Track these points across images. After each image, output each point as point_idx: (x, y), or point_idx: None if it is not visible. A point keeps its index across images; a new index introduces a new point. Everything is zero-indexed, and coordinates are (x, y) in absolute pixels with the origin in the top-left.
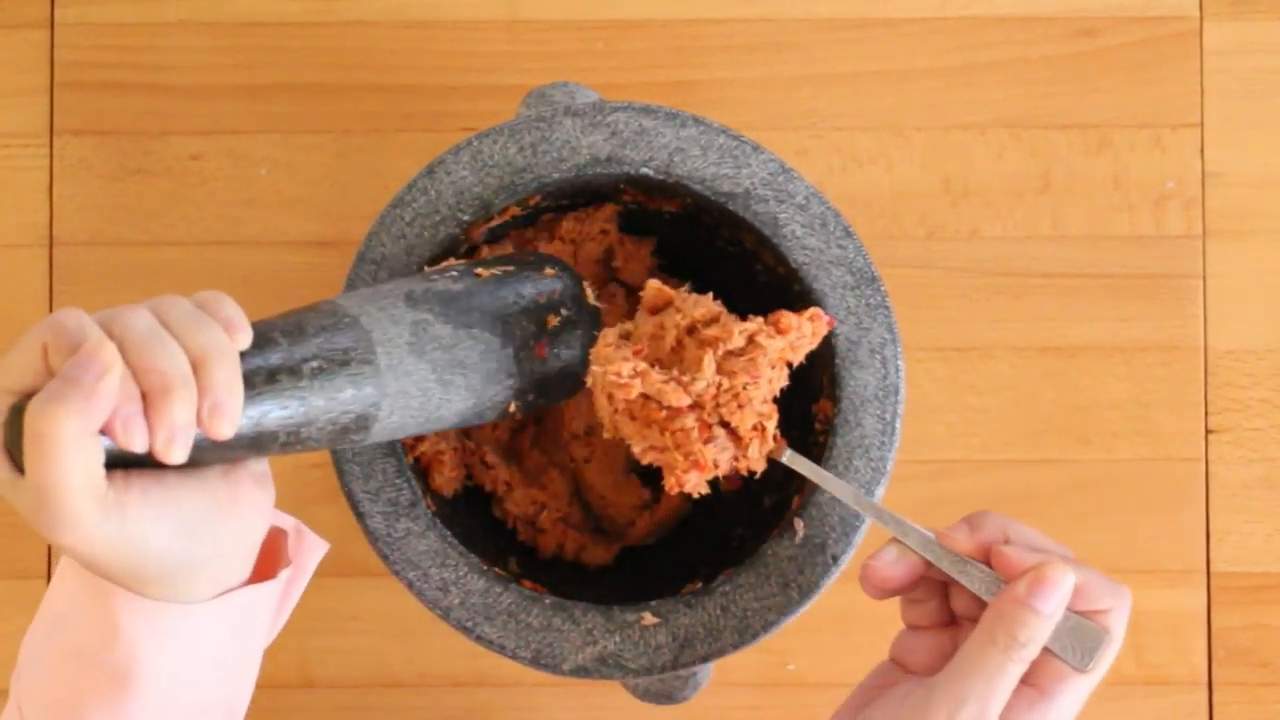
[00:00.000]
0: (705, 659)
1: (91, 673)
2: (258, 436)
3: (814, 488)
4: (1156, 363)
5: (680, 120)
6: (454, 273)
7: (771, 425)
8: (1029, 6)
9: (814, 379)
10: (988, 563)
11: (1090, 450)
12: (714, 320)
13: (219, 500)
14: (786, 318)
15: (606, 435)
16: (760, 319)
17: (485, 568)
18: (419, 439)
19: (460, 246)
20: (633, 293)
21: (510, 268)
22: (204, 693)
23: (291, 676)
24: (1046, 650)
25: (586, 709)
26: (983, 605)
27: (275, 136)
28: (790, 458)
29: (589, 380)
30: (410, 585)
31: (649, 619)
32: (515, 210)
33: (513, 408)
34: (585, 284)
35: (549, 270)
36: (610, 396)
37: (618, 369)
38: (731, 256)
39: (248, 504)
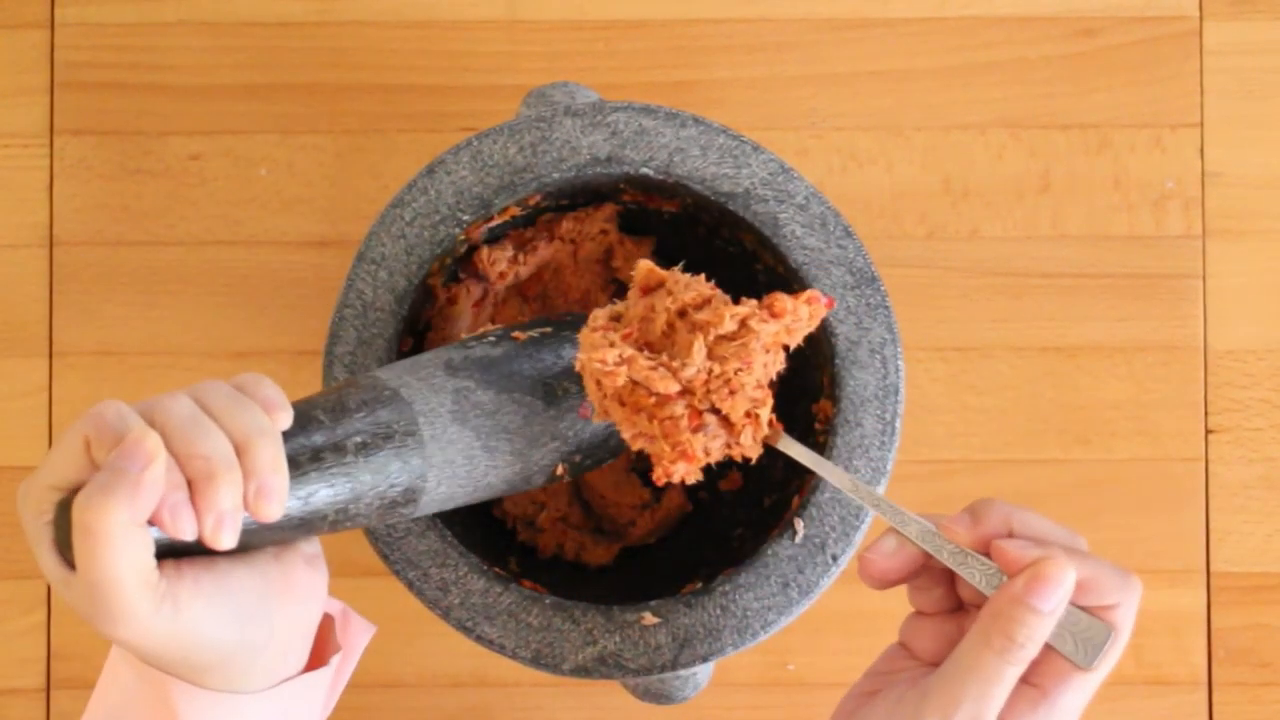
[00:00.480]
0: (705, 659)
1: None
2: (306, 517)
3: (814, 487)
4: (1156, 363)
5: (680, 120)
6: (491, 338)
7: (766, 411)
8: (1029, 6)
9: (814, 379)
10: (989, 555)
11: (1090, 450)
12: (705, 303)
13: (272, 584)
14: (781, 300)
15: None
16: (754, 301)
17: (485, 568)
18: None
19: (460, 247)
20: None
21: (548, 329)
22: None
23: None
24: (1049, 647)
25: (586, 709)
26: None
27: (275, 136)
28: (786, 443)
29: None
30: (410, 585)
31: (649, 619)
32: (515, 210)
33: (559, 470)
34: None
35: None
36: (598, 382)
37: (602, 355)
38: (731, 256)
39: (302, 587)
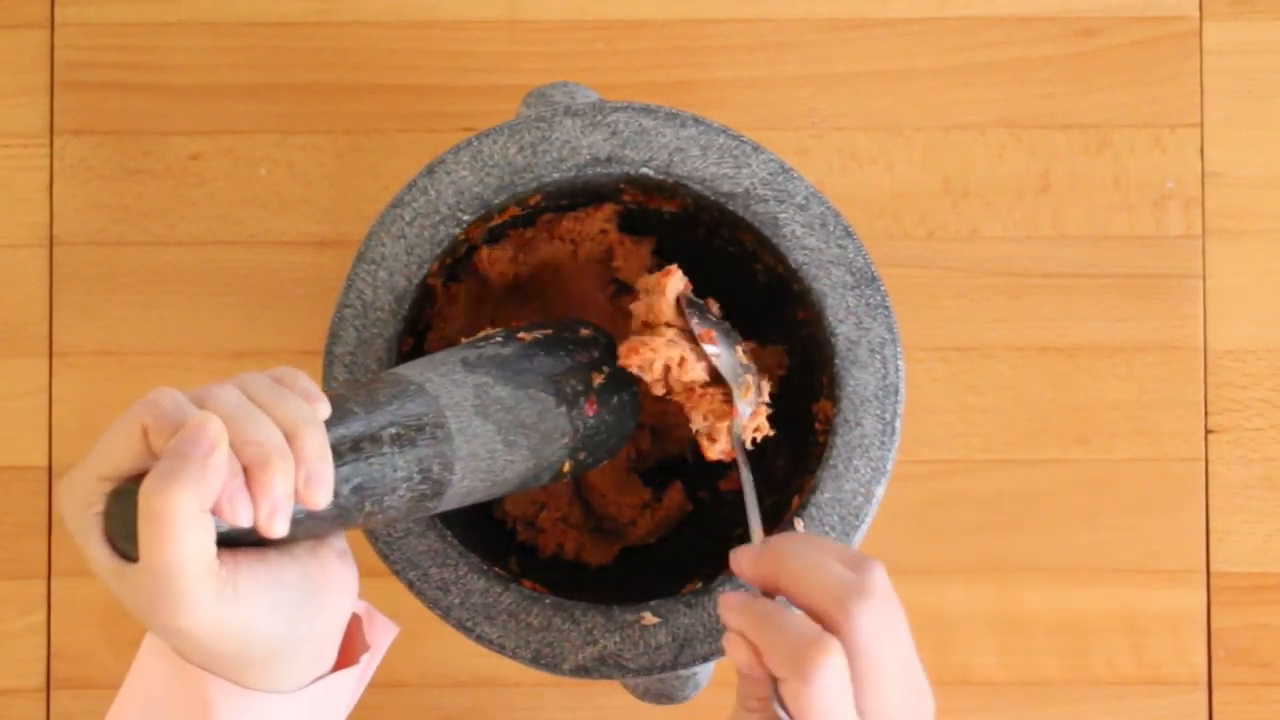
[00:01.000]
0: (705, 659)
1: None
2: (345, 508)
3: (814, 487)
4: (1156, 363)
5: (680, 120)
6: (499, 338)
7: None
8: (1029, 6)
9: (814, 379)
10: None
11: (1090, 450)
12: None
13: (312, 577)
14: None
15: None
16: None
17: (485, 568)
18: None
19: (460, 247)
20: (617, 295)
21: (549, 330)
22: None
23: None
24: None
25: (586, 709)
26: None
27: (275, 136)
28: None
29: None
30: (410, 585)
31: (649, 619)
32: (515, 210)
33: (566, 467)
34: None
35: (584, 331)
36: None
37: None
38: (731, 256)
39: (336, 581)
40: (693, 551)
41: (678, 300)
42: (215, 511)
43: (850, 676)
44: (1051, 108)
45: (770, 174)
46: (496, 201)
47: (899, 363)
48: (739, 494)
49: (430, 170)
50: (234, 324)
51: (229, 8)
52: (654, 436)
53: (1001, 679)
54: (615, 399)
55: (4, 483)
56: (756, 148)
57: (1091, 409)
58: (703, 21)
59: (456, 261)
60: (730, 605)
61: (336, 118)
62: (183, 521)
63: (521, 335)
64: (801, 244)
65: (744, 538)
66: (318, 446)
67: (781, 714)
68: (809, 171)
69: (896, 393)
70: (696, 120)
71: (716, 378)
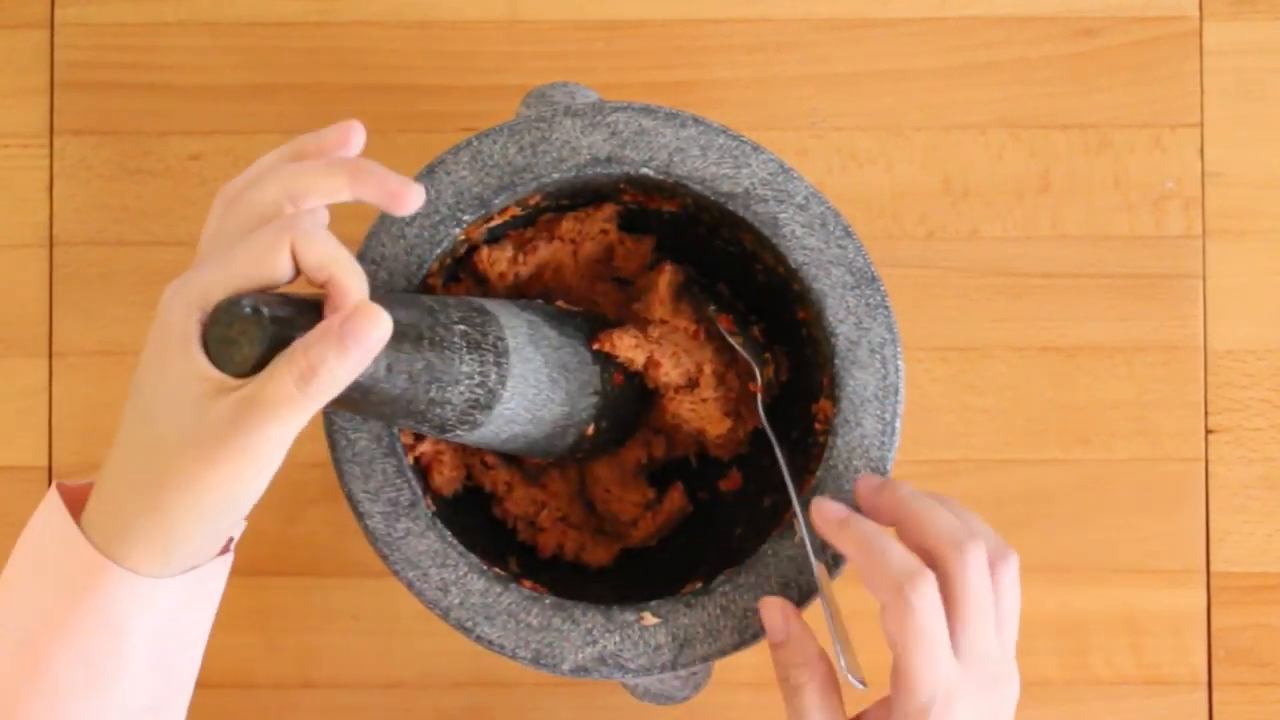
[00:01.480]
0: (705, 659)
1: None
2: (415, 385)
3: (814, 488)
4: (1156, 363)
5: (680, 120)
6: (539, 301)
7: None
8: (1029, 6)
9: (814, 379)
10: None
11: (1090, 450)
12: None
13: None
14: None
15: None
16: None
17: (485, 568)
18: (419, 439)
19: (460, 247)
20: (625, 285)
21: (579, 309)
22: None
23: (291, 676)
24: None
25: (586, 709)
26: None
27: (275, 136)
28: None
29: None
30: (410, 585)
31: (649, 619)
32: (515, 210)
33: (590, 430)
34: None
35: (610, 318)
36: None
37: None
38: (731, 256)
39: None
40: (693, 552)
41: (676, 294)
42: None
43: (951, 613)
44: (1051, 108)
45: (770, 174)
46: (496, 201)
47: (899, 363)
48: (739, 494)
49: (430, 170)
50: None
51: (229, 8)
52: (668, 444)
53: None
54: (635, 381)
55: (4, 483)
56: (756, 148)
57: (1091, 409)
58: (703, 21)
59: (456, 262)
60: (832, 517)
61: (336, 118)
62: (332, 392)
63: (560, 304)
64: (801, 244)
65: (744, 537)
66: (391, 173)
67: (851, 679)
68: (809, 171)
69: (896, 393)
70: (696, 120)
71: (716, 370)
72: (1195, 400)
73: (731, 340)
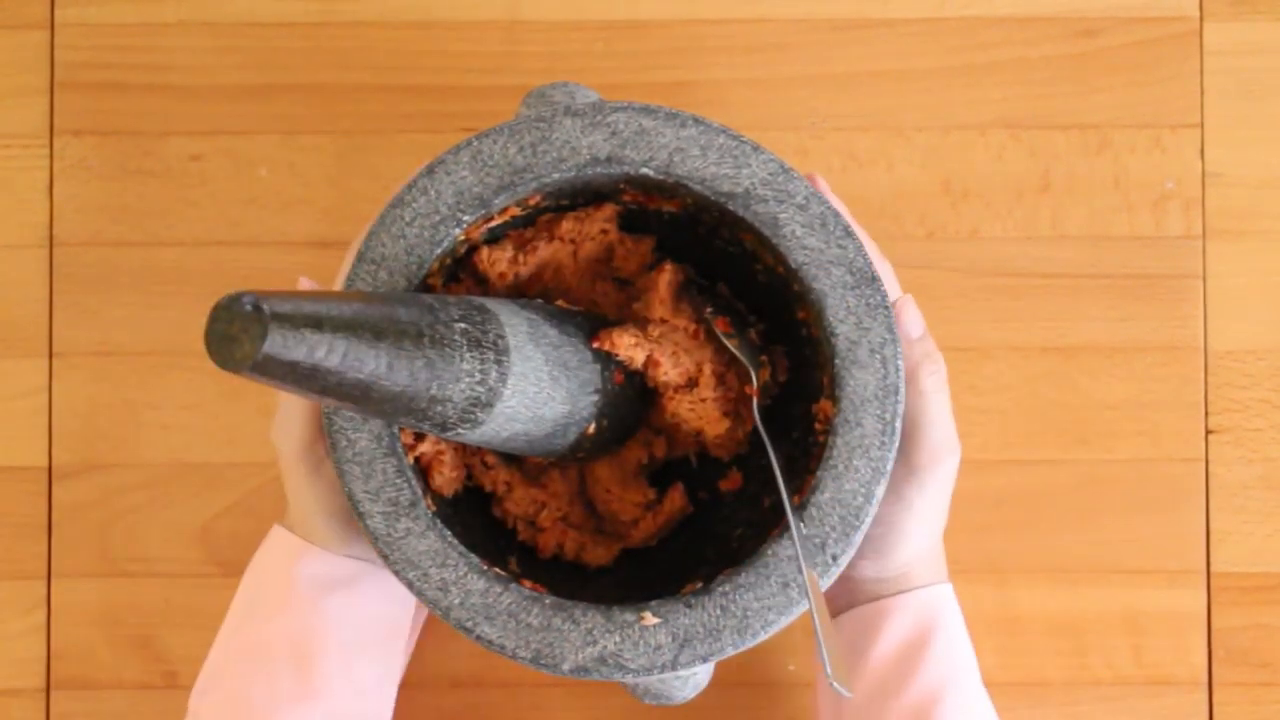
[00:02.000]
0: (705, 659)
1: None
2: (417, 380)
3: (814, 487)
4: (1156, 363)
5: (680, 120)
6: (539, 301)
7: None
8: (1029, 6)
9: (814, 379)
10: None
11: (1090, 450)
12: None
13: None
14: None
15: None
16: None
17: (485, 568)
18: (419, 439)
19: (460, 247)
20: (625, 285)
21: (580, 309)
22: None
23: None
24: None
25: (586, 709)
26: None
27: (275, 136)
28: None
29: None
30: (410, 585)
31: (649, 619)
32: (515, 210)
33: (591, 429)
34: None
35: (610, 318)
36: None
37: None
38: (731, 257)
39: None
40: (693, 552)
41: (676, 294)
42: None
43: None
44: (1051, 108)
45: (770, 174)
46: (496, 201)
47: (899, 363)
48: (739, 494)
49: (430, 170)
50: None
51: (229, 8)
52: (669, 444)
53: (1001, 679)
54: (636, 380)
55: (4, 483)
56: (756, 148)
57: (1091, 409)
58: (703, 22)
59: (456, 262)
60: (918, 322)
61: (336, 118)
62: None
63: (560, 303)
64: (802, 244)
65: (744, 537)
66: None
67: (838, 687)
68: (809, 171)
69: (896, 392)
70: (696, 120)
71: (716, 370)
72: (1195, 400)
73: (727, 343)
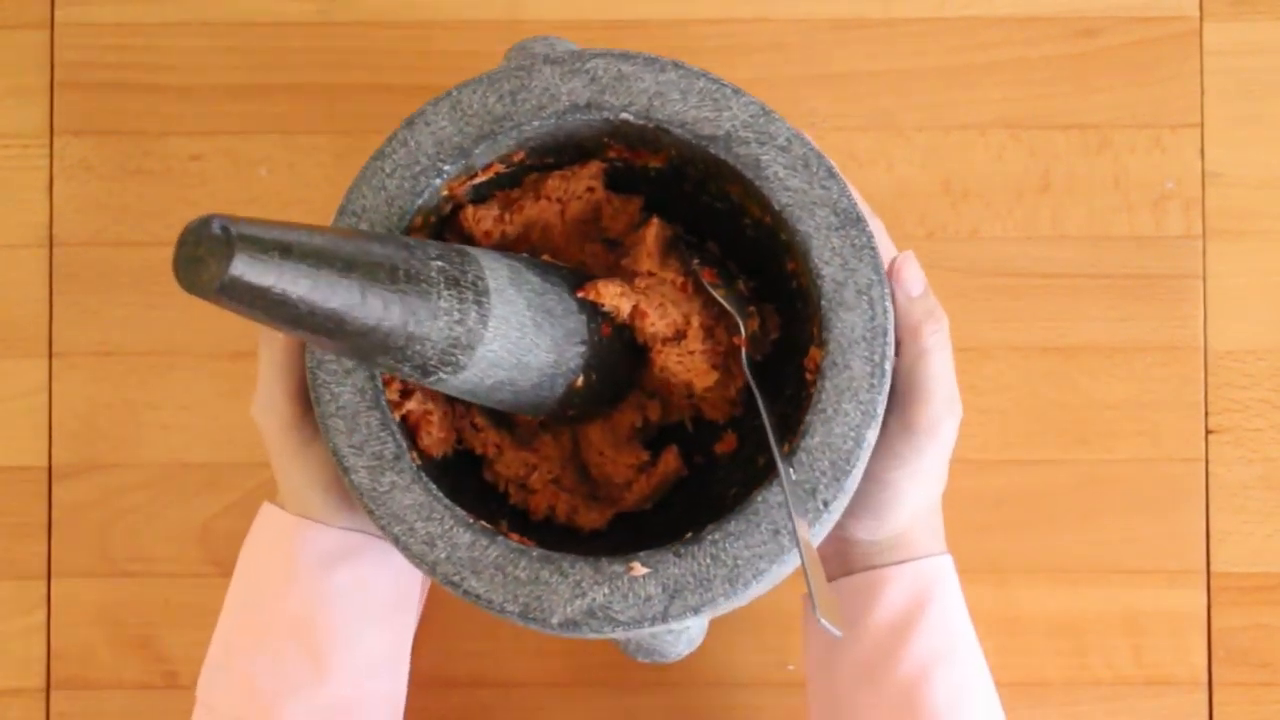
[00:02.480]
0: (696, 610)
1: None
2: (389, 321)
3: (804, 432)
4: (1156, 363)
5: (660, 65)
6: (525, 255)
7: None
8: (1029, 6)
9: (805, 331)
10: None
11: (1090, 450)
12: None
13: None
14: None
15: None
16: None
17: (471, 520)
18: (405, 395)
19: (445, 205)
20: (614, 246)
21: (566, 264)
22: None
23: None
24: None
25: (587, 710)
26: None
27: (275, 136)
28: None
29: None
30: (396, 540)
31: (638, 569)
32: (499, 168)
33: (579, 382)
34: None
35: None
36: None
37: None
38: (719, 213)
39: None
40: (687, 516)
41: (664, 248)
42: None
43: None
44: (1051, 108)
45: (751, 116)
46: (477, 151)
47: (887, 304)
48: (734, 455)
49: (409, 122)
50: (234, 324)
51: (229, 8)
52: (663, 407)
53: (1001, 679)
54: (624, 334)
55: (4, 483)
56: (737, 91)
57: (1091, 409)
58: (703, 21)
59: (441, 221)
60: (919, 279)
61: (336, 118)
62: None
63: (545, 257)
64: (785, 185)
65: (738, 496)
66: None
67: (826, 625)
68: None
69: (885, 334)
70: (676, 65)
71: (704, 324)
72: (1195, 400)
73: (714, 293)
